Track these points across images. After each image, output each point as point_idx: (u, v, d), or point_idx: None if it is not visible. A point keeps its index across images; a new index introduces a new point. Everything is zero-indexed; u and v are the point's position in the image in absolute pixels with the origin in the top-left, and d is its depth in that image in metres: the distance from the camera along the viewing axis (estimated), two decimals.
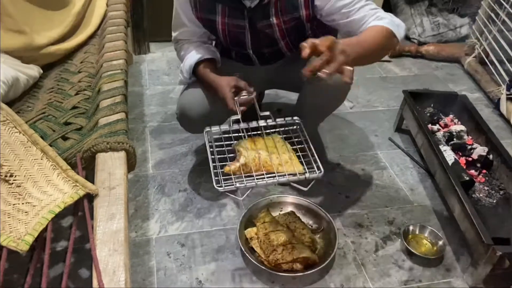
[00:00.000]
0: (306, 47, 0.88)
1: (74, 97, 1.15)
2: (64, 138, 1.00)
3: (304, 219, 1.36)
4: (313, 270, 1.18)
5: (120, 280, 0.67)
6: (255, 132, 1.20)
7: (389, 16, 1.15)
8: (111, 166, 0.87)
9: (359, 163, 1.66)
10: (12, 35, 1.18)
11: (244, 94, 1.23)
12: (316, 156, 1.12)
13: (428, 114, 1.78)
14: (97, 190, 0.81)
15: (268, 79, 1.51)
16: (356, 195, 1.51)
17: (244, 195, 1.09)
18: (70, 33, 1.40)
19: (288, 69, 1.44)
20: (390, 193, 1.53)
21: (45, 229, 0.75)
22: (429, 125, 1.71)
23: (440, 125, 1.73)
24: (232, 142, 1.18)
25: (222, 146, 1.18)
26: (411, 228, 1.36)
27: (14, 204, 0.78)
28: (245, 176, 1.08)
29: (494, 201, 1.41)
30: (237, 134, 1.19)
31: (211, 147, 1.14)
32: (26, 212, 0.77)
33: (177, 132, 1.74)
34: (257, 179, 1.07)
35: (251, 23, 1.27)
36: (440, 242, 1.32)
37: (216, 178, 1.06)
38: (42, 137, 0.92)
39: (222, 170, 1.09)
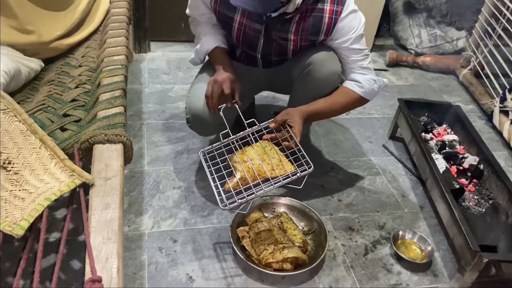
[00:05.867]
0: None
1: (74, 90, 1.16)
2: (63, 129, 1.01)
3: (296, 220, 1.37)
4: (302, 270, 1.19)
5: (112, 268, 0.68)
6: (244, 140, 1.24)
7: (369, 77, 1.33)
8: (108, 158, 0.89)
9: (353, 168, 1.68)
10: (19, 34, 1.21)
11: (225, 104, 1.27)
12: (304, 152, 1.16)
13: (422, 123, 1.81)
14: (93, 180, 0.83)
15: (267, 81, 1.52)
16: (348, 199, 1.53)
17: (248, 209, 1.14)
18: (75, 29, 1.42)
19: (286, 72, 1.45)
20: (381, 199, 1.55)
21: (40, 219, 0.77)
22: (423, 134, 1.73)
23: (433, 134, 1.76)
24: (225, 156, 1.22)
25: (217, 163, 1.21)
26: (400, 233, 1.38)
27: (11, 191, 0.79)
28: (245, 189, 1.12)
29: (483, 210, 1.44)
30: (228, 147, 1.23)
31: (208, 167, 1.19)
32: (22, 199, 0.78)
33: (174, 131, 1.76)
34: (255, 189, 1.11)
35: (267, 30, 1.29)
36: (429, 248, 1.34)
37: (220, 197, 1.10)
38: (41, 127, 0.93)
39: (223, 188, 1.13)
